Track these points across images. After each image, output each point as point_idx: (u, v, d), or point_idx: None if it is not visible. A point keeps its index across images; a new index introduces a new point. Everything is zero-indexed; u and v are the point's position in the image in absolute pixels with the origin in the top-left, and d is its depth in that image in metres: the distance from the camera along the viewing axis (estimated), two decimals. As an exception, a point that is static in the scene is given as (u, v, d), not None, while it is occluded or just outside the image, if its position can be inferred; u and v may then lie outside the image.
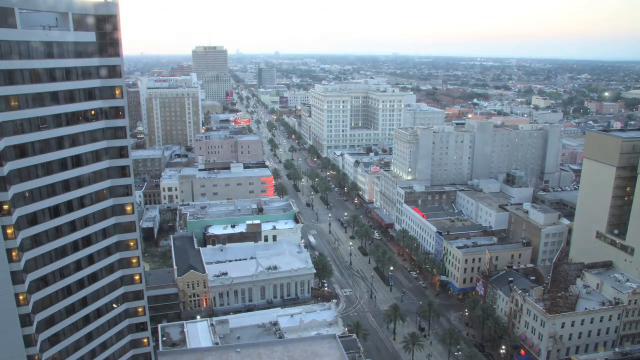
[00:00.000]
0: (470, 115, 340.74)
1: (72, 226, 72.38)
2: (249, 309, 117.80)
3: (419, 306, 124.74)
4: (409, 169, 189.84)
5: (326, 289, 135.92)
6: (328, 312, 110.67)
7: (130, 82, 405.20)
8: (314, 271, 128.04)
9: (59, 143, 69.12)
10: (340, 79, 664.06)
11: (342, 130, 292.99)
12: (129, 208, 79.03)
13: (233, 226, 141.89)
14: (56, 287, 71.10)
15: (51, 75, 67.04)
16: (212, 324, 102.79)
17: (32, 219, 67.09)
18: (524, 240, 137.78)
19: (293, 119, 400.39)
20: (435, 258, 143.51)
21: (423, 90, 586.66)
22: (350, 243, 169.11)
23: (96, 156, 74.21)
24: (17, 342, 65.72)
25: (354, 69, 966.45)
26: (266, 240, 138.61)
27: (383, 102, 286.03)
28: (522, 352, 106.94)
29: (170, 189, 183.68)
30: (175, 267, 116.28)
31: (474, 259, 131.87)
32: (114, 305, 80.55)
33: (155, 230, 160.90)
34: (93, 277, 76.51)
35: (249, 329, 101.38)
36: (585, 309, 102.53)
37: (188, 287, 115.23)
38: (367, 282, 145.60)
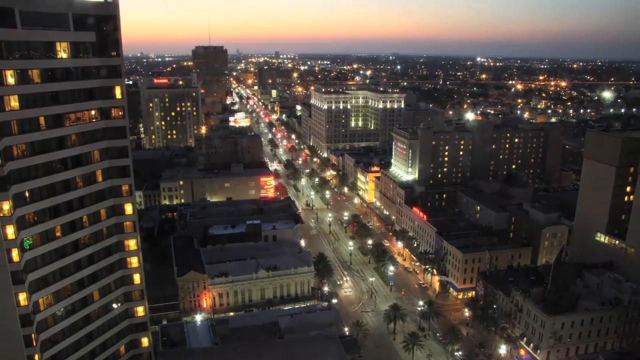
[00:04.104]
0: (470, 115, 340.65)
1: (72, 226, 72.52)
2: (249, 309, 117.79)
3: (419, 306, 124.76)
4: (409, 169, 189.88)
5: (326, 289, 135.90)
6: (328, 312, 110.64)
7: (130, 82, 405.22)
8: (314, 271, 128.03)
9: (59, 143, 69.25)
10: (341, 78, 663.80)
11: (342, 130, 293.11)
12: (129, 208, 79.13)
13: (233, 226, 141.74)
14: (56, 287, 71.24)
15: (51, 75, 67.14)
16: (212, 324, 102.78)
17: (32, 219, 67.19)
18: (524, 240, 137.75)
19: (293, 119, 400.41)
20: (435, 258, 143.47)
21: (423, 90, 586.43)
22: (350, 243, 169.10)
23: (96, 156, 74.33)
24: (17, 342, 65.78)
25: (354, 69, 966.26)
26: (266, 240, 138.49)
27: (383, 102, 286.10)
28: (522, 352, 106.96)
29: (170, 189, 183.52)
30: (175, 267, 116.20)
31: (474, 259, 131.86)
32: (114, 305, 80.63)
33: (155, 230, 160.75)
34: (93, 277, 76.65)
35: (249, 329, 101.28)
36: (586, 309, 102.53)
37: (188, 287, 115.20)
38: (367, 282, 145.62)
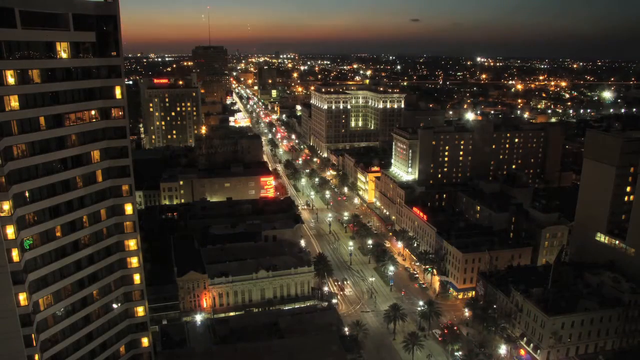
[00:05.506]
0: (470, 115, 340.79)
1: (72, 226, 72.51)
2: (249, 309, 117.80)
3: (419, 306, 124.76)
4: (409, 169, 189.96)
5: (326, 289, 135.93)
6: (328, 312, 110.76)
7: (131, 82, 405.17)
8: (314, 271, 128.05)
9: (59, 143, 69.24)
10: (341, 78, 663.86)
11: (342, 130, 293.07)
12: (129, 208, 79.13)
13: (233, 226, 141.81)
14: (56, 287, 71.22)
15: (51, 75, 67.14)
16: (212, 324, 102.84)
17: (32, 219, 67.17)
18: (524, 240, 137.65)
19: (293, 119, 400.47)
20: (435, 258, 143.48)
21: (423, 90, 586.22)
22: (350, 243, 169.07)
23: (96, 156, 74.32)
24: (17, 342, 65.77)
25: (354, 69, 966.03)
26: (266, 240, 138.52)
27: (383, 102, 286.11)
28: (522, 352, 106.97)
29: (170, 189, 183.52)
30: (175, 267, 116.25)
31: (474, 259, 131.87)
32: (114, 305, 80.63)
33: (155, 230, 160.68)
34: (93, 277, 76.63)
35: (249, 329, 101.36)
36: (586, 309, 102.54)
37: (188, 287, 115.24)
38: (367, 282, 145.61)
